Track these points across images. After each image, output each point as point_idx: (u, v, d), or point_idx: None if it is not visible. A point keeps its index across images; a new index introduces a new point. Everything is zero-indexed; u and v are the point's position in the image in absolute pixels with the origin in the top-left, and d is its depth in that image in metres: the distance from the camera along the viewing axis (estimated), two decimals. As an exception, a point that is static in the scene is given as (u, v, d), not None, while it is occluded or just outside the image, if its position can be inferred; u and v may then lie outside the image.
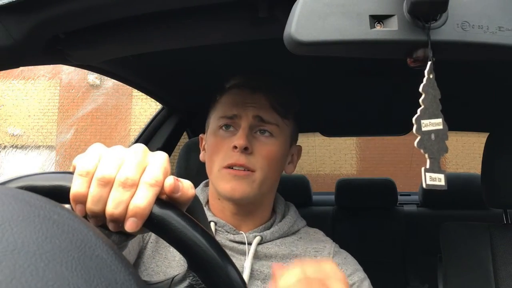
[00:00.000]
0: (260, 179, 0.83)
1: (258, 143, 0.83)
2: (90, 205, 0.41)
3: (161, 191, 0.42)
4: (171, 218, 0.42)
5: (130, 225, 0.41)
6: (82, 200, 0.41)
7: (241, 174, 0.81)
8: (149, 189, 0.41)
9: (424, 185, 0.46)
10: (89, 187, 0.41)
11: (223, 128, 0.85)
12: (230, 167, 0.81)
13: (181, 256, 0.81)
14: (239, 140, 0.81)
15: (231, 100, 0.87)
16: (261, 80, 0.88)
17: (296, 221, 0.91)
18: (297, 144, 0.95)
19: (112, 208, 0.41)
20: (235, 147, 0.81)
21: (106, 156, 0.43)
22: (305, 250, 0.87)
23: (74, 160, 0.44)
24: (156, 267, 0.81)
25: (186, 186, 0.44)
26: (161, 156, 0.44)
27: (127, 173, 0.41)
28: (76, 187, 0.41)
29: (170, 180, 0.43)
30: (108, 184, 0.41)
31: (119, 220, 0.41)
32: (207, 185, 0.95)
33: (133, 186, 0.41)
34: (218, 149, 0.84)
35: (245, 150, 0.81)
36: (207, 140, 0.90)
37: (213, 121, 0.88)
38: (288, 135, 0.89)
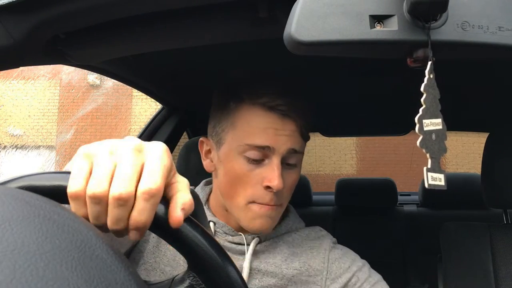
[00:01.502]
0: (282, 209, 0.82)
1: (286, 176, 0.78)
2: (91, 220, 0.40)
3: (166, 188, 0.42)
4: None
5: (133, 236, 0.41)
6: (84, 217, 0.41)
7: (271, 213, 0.78)
8: (148, 201, 0.39)
9: (426, 185, 0.46)
10: (86, 206, 0.40)
11: (250, 159, 0.77)
12: (257, 201, 0.78)
13: (180, 255, 0.81)
14: (275, 181, 0.74)
15: (259, 125, 0.77)
16: (291, 104, 0.77)
17: (295, 222, 0.91)
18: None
19: (112, 224, 0.40)
20: (269, 187, 0.76)
21: (95, 169, 0.40)
22: (303, 247, 0.87)
23: (65, 169, 0.42)
24: (154, 263, 0.81)
25: (188, 210, 0.42)
26: (158, 151, 0.42)
27: (120, 189, 0.38)
28: (75, 211, 0.40)
29: (178, 215, 0.41)
30: (102, 201, 0.39)
31: (122, 232, 0.41)
32: (207, 183, 0.94)
33: (130, 199, 0.39)
34: (245, 182, 0.77)
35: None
36: (223, 160, 0.80)
37: (234, 143, 0.78)
38: (303, 155, 0.85)
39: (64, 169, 0.43)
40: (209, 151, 0.86)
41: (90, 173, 0.40)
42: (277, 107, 0.77)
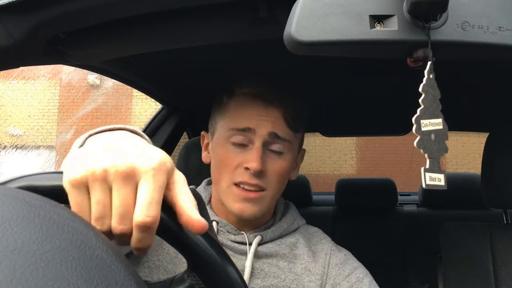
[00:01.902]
0: (270, 196, 0.82)
1: (270, 161, 0.81)
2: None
3: (165, 192, 0.42)
4: (172, 220, 0.42)
5: (137, 253, 0.42)
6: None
7: (252, 196, 0.79)
8: (145, 232, 0.39)
9: (423, 185, 0.46)
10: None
11: (235, 143, 0.81)
12: (240, 184, 0.80)
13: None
14: (253, 163, 0.78)
15: (243, 111, 0.82)
16: (275, 92, 0.82)
17: (296, 219, 0.91)
18: (305, 152, 0.94)
19: (118, 243, 0.41)
20: (248, 168, 0.78)
21: (94, 204, 0.40)
22: (304, 250, 0.87)
23: (65, 186, 0.41)
24: (158, 261, 0.81)
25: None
26: (149, 171, 0.40)
27: (120, 225, 0.39)
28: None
29: (199, 215, 0.41)
30: (105, 223, 0.40)
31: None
32: (209, 183, 0.95)
33: (129, 232, 0.40)
34: (228, 164, 0.81)
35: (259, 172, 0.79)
36: (213, 148, 0.86)
37: (222, 129, 0.84)
38: (297, 147, 0.88)
39: (61, 168, 0.42)
40: (207, 144, 0.91)
41: (89, 204, 0.40)
42: (261, 95, 0.82)
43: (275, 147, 0.82)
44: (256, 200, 0.80)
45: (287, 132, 0.82)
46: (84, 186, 0.40)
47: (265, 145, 0.81)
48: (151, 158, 0.41)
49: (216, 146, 0.85)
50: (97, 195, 0.40)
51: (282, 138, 0.82)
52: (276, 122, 0.81)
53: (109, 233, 0.40)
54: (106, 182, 0.40)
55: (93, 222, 0.40)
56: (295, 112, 0.83)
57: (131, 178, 0.40)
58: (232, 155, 0.81)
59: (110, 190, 0.40)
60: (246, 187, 0.79)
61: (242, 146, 0.81)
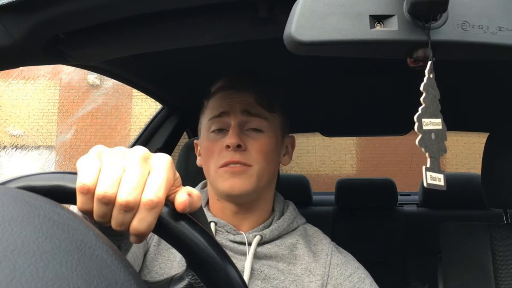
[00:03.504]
0: (257, 172, 0.83)
1: (250, 139, 0.85)
2: (96, 218, 0.42)
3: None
4: (171, 218, 0.42)
5: (133, 240, 0.42)
6: (89, 213, 0.42)
7: (238, 170, 0.82)
8: (149, 212, 0.40)
9: (425, 184, 0.46)
10: (92, 202, 0.41)
11: (215, 131, 0.86)
12: (226, 165, 0.82)
13: (182, 256, 0.81)
14: (230, 139, 0.82)
15: (218, 100, 0.88)
16: (245, 79, 0.90)
17: (296, 218, 0.91)
18: (294, 140, 0.96)
19: (115, 226, 0.41)
20: (228, 146, 0.82)
21: (105, 168, 0.42)
22: (304, 250, 0.87)
23: (77, 164, 0.43)
24: (160, 269, 0.82)
25: (196, 201, 0.44)
26: (163, 163, 0.43)
27: (128, 195, 0.40)
28: (81, 205, 0.41)
29: (183, 197, 0.42)
30: (109, 202, 0.41)
31: (124, 232, 0.43)
32: (205, 185, 0.96)
33: (135, 207, 0.40)
34: (212, 151, 0.85)
35: (239, 147, 0.82)
36: (201, 145, 0.91)
37: (204, 125, 0.90)
38: (277, 128, 0.90)
39: (76, 164, 0.43)
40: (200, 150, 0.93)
41: (100, 171, 0.42)
42: (232, 85, 0.88)
43: (252, 124, 0.86)
44: (243, 173, 0.82)
45: (260, 110, 0.87)
46: (103, 157, 0.43)
47: (242, 125, 0.85)
48: (166, 156, 0.44)
49: (202, 142, 0.89)
50: (109, 164, 0.42)
51: (257, 115, 0.86)
52: (248, 102, 0.86)
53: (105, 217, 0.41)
54: (123, 159, 0.42)
55: (102, 185, 0.40)
56: (266, 93, 0.88)
57: (145, 162, 0.42)
58: (214, 141, 0.85)
59: (123, 167, 0.42)
60: (232, 165, 0.82)
61: (222, 131, 0.86)
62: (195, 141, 0.97)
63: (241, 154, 0.82)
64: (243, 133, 0.85)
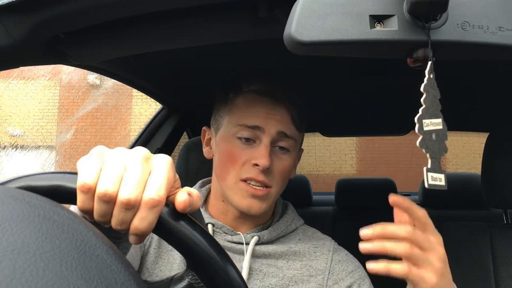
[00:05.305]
0: (275, 194, 0.83)
1: (276, 159, 0.82)
2: (96, 217, 0.42)
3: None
4: (170, 218, 0.42)
5: (132, 240, 0.42)
6: (89, 213, 0.42)
7: (259, 194, 0.80)
8: (151, 211, 0.41)
9: (426, 185, 0.46)
10: (93, 201, 0.41)
11: (242, 139, 0.82)
12: (247, 180, 0.80)
13: (182, 258, 0.82)
14: (262, 159, 0.79)
15: (252, 108, 0.82)
16: (283, 91, 0.84)
17: (294, 219, 0.91)
18: (302, 152, 0.95)
19: (115, 225, 0.42)
20: (257, 165, 0.79)
21: (106, 167, 0.42)
22: (304, 247, 0.87)
23: (78, 164, 0.43)
24: (160, 272, 0.82)
25: (196, 200, 0.44)
26: (164, 164, 0.43)
27: (129, 194, 0.40)
28: (81, 204, 0.41)
29: (183, 197, 0.42)
30: (110, 201, 0.41)
31: (123, 233, 0.43)
32: (203, 185, 0.95)
33: (136, 205, 0.40)
34: (235, 160, 0.81)
35: (266, 169, 0.80)
36: (218, 143, 0.86)
37: (229, 125, 0.84)
38: (299, 145, 0.89)
39: (77, 164, 0.43)
40: (209, 140, 0.91)
41: (100, 170, 0.42)
42: (270, 92, 0.82)
43: (282, 143, 0.83)
44: (263, 197, 0.81)
45: (294, 131, 0.83)
46: (104, 156, 0.43)
47: (272, 143, 0.82)
48: (166, 157, 0.45)
49: (221, 141, 0.85)
50: (110, 163, 0.42)
51: (289, 136, 0.83)
52: (284, 120, 0.82)
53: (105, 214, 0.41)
54: (124, 158, 0.42)
55: (103, 183, 0.40)
56: (301, 111, 0.85)
57: (147, 162, 0.43)
58: (239, 150, 0.81)
59: (124, 167, 0.42)
60: (253, 183, 0.80)
61: (249, 141, 0.82)
62: (204, 127, 0.92)
63: (265, 174, 0.80)
64: (271, 150, 0.82)
